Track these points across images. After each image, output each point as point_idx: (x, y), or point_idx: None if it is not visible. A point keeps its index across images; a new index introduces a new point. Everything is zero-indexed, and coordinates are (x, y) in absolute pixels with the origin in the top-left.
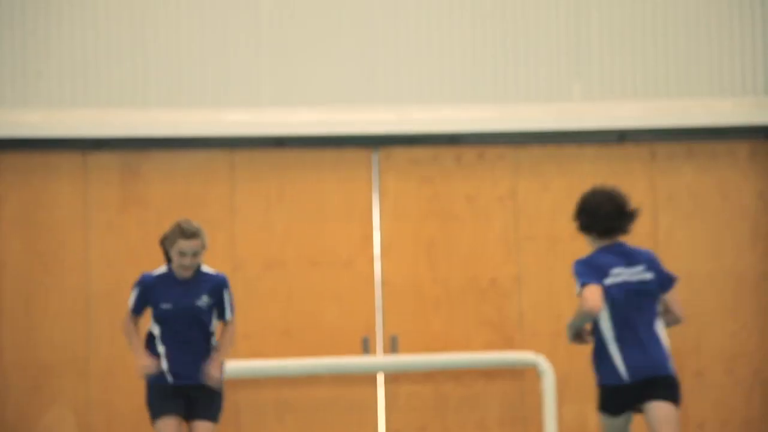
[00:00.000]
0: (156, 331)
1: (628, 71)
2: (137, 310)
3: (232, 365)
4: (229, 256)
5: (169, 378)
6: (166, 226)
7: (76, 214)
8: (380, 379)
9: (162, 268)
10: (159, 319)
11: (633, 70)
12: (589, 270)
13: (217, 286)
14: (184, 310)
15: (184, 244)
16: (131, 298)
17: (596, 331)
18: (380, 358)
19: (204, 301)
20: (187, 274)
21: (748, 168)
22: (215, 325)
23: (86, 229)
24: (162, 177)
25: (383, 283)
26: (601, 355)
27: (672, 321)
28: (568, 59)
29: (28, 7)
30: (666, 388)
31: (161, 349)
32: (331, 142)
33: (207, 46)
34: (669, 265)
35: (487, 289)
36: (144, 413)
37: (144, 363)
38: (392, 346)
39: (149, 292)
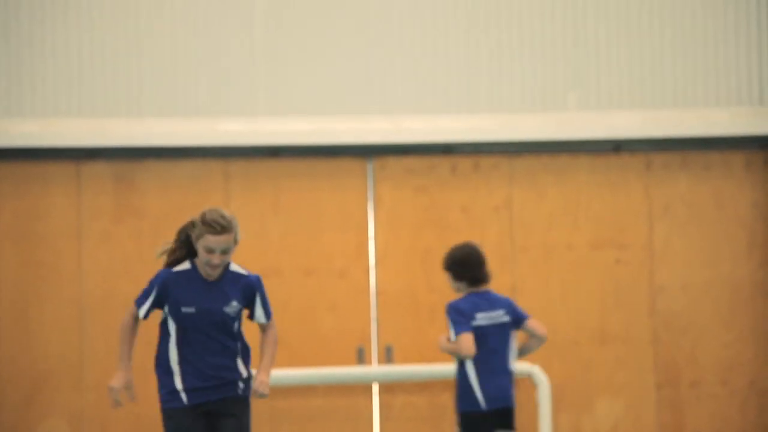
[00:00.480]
0: (171, 339)
1: (624, 81)
2: (147, 311)
3: None
4: None
5: (184, 398)
6: (160, 237)
7: (71, 224)
8: (375, 389)
9: (185, 265)
10: (177, 324)
11: (629, 80)
12: (462, 319)
13: (249, 289)
14: (210, 316)
15: (212, 240)
16: (142, 296)
17: (460, 365)
18: (375, 368)
19: (233, 307)
20: (215, 273)
21: (743, 178)
22: (240, 331)
23: (80, 239)
24: (157, 187)
25: (378, 292)
26: (463, 386)
27: (537, 342)
28: (563, 69)
29: (23, 17)
30: (512, 418)
31: (175, 359)
32: (326, 152)
33: (201, 55)
34: (664, 275)
35: None
36: (139, 424)
37: (119, 382)
38: (387, 356)
39: (168, 291)
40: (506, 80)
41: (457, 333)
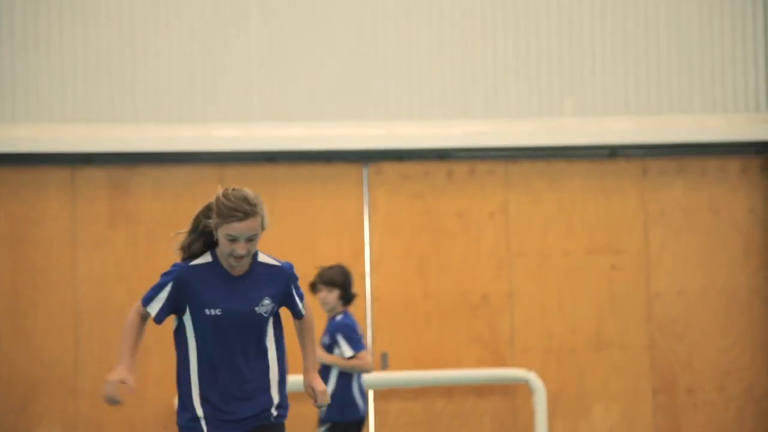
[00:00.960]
0: (189, 351)
1: (620, 87)
2: (161, 314)
3: None
4: None
5: (204, 428)
6: (155, 242)
7: (65, 229)
8: (371, 395)
9: (205, 257)
10: (198, 331)
11: (624, 86)
12: (358, 336)
13: (283, 282)
14: (238, 319)
15: (235, 228)
16: (151, 292)
17: (342, 377)
18: (371, 375)
19: (265, 306)
20: (241, 266)
21: (739, 184)
22: (273, 336)
23: (75, 244)
24: (151, 193)
25: (374, 298)
26: (346, 397)
27: None
28: (559, 75)
29: (17, 22)
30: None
31: (194, 377)
32: (321, 158)
33: (196, 61)
34: (660, 281)
35: (479, 305)
36: (134, 430)
37: (116, 375)
38: (383, 363)
39: (186, 289)
40: (502, 86)
41: (358, 350)
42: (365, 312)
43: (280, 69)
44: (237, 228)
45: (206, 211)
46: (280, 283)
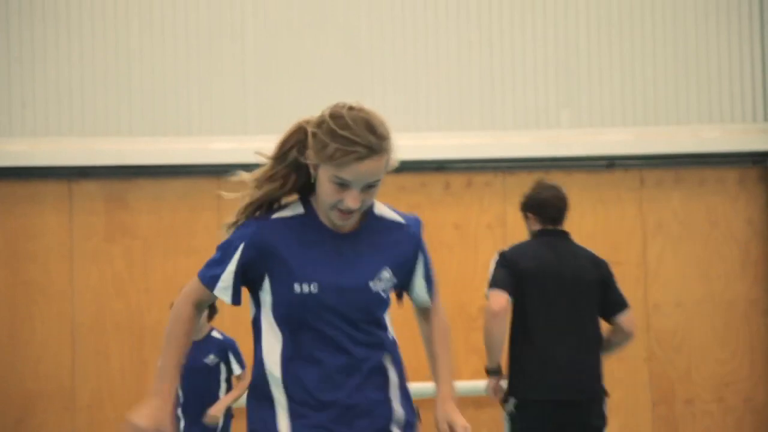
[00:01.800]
0: (271, 346)
1: (617, 98)
2: (237, 291)
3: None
4: None
5: None
6: (152, 255)
7: (62, 243)
8: None
9: (293, 208)
10: (285, 316)
11: (621, 96)
12: None
13: (410, 247)
14: (344, 298)
15: (351, 170)
16: (213, 263)
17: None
18: None
19: (384, 280)
20: (349, 223)
21: (737, 194)
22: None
23: (72, 258)
24: (148, 206)
25: None
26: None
27: None
28: (556, 86)
29: (13, 35)
30: None
31: (278, 381)
32: None
33: (193, 74)
34: (658, 292)
35: (477, 316)
36: None
37: (148, 418)
38: None
39: (266, 254)
40: (499, 97)
41: None
42: None
43: (277, 81)
44: (353, 170)
45: (299, 136)
46: (406, 248)
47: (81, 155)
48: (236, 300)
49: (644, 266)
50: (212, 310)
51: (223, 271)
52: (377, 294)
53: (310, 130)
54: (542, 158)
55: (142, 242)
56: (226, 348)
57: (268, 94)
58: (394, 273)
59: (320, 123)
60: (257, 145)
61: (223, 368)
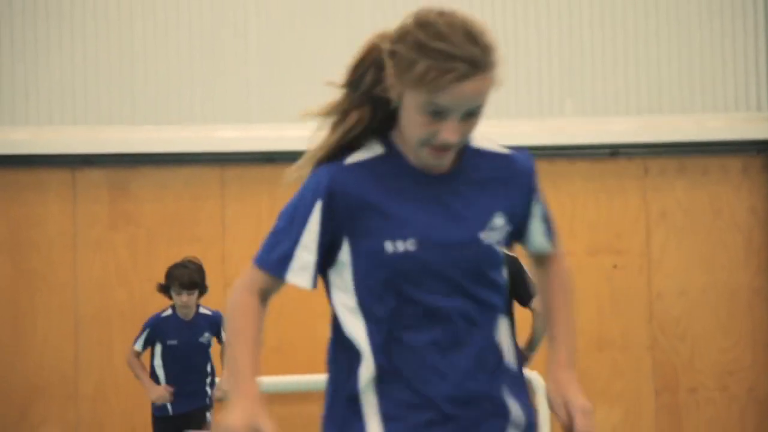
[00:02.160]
0: (355, 327)
1: (621, 87)
2: (316, 273)
3: (222, 383)
4: (220, 273)
5: None
6: (156, 244)
7: (65, 232)
8: None
9: (371, 149)
10: (374, 286)
11: (625, 85)
12: None
13: (524, 186)
14: (452, 256)
15: (450, 94)
16: (276, 235)
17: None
18: None
19: (498, 230)
20: (445, 161)
21: (740, 183)
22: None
23: (76, 247)
24: (152, 194)
25: None
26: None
27: None
28: (560, 75)
29: (16, 25)
30: None
31: (369, 374)
32: None
33: (196, 62)
34: (662, 280)
35: None
36: None
37: (242, 418)
38: None
39: (346, 210)
40: (503, 86)
41: None
42: None
43: (280, 70)
44: (452, 93)
45: (375, 55)
46: (519, 186)
47: (84, 143)
48: (316, 281)
49: (648, 255)
50: (202, 289)
51: (295, 244)
52: (489, 247)
53: (386, 48)
54: (546, 147)
55: (145, 231)
56: (217, 322)
57: (271, 82)
58: (509, 219)
59: (402, 36)
60: (260, 134)
61: (213, 342)
